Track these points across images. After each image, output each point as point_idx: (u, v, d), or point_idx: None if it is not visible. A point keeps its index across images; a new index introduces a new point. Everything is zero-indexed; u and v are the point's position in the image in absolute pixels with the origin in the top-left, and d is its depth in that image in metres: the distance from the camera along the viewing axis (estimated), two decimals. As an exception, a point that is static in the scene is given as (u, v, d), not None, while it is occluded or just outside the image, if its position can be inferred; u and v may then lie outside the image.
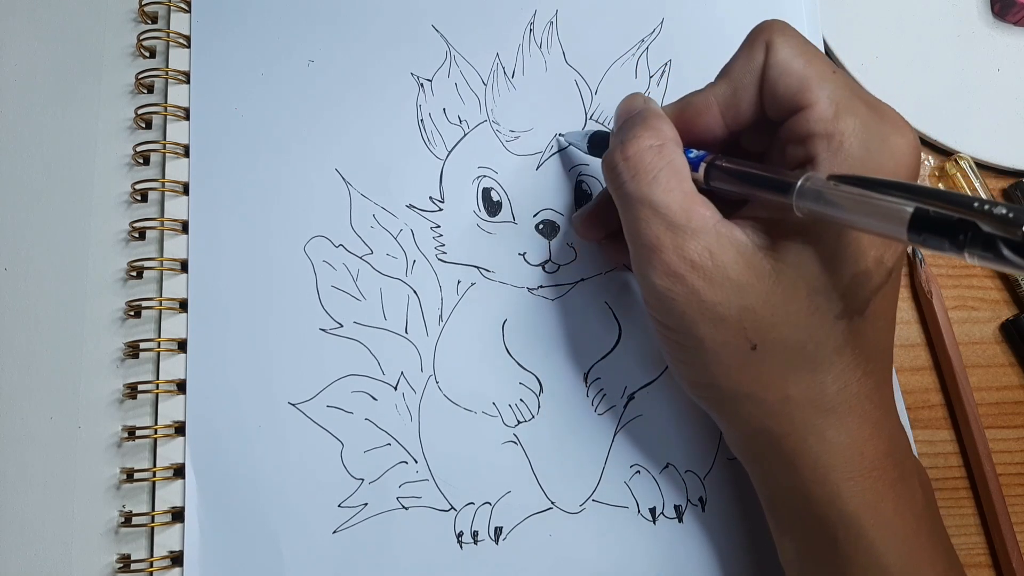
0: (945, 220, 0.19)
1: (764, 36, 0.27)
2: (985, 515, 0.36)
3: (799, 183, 0.23)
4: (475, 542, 0.32)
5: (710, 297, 0.25)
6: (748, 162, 0.26)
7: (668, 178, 0.26)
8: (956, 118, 0.41)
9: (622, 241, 0.28)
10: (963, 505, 0.36)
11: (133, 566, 0.30)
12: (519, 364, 0.34)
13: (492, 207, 0.36)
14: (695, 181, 0.27)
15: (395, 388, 0.33)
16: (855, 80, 0.26)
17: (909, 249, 0.39)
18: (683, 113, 0.28)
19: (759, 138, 0.29)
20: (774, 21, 0.27)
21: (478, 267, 0.35)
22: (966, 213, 0.19)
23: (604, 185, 0.30)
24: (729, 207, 0.27)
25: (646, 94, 0.38)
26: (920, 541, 0.26)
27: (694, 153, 0.27)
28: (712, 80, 0.29)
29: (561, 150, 0.36)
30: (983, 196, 0.39)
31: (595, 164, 0.36)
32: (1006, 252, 0.18)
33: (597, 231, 0.33)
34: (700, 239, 0.25)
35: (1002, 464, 0.37)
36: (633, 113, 0.29)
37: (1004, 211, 0.18)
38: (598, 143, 0.34)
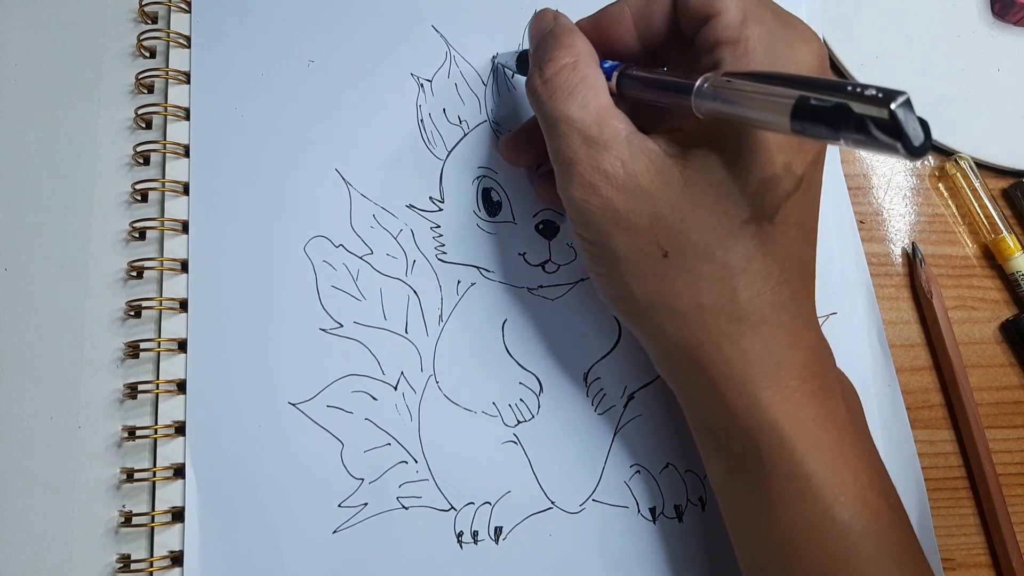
0: (824, 108, 0.20)
1: None
2: (985, 515, 0.36)
3: (697, 83, 0.24)
4: (475, 542, 0.32)
5: (622, 206, 0.26)
6: (657, 70, 0.27)
7: (584, 93, 0.27)
8: (956, 118, 0.41)
9: (552, 176, 0.29)
10: (963, 505, 0.36)
11: (133, 566, 0.30)
12: (519, 364, 0.34)
13: (492, 207, 0.36)
14: (611, 91, 0.28)
15: (395, 388, 0.33)
16: None
17: (909, 247, 0.39)
18: (597, 24, 0.30)
19: (683, 59, 0.30)
20: None
21: (478, 267, 0.35)
22: (841, 96, 0.19)
23: None
24: (648, 125, 0.28)
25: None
26: (843, 451, 0.26)
27: (608, 64, 0.28)
28: None
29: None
30: (983, 197, 0.39)
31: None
32: (875, 132, 0.18)
33: (522, 155, 0.34)
34: (612, 150, 0.26)
35: (1002, 464, 0.37)
36: (545, 32, 0.30)
37: (874, 92, 0.19)
38: (526, 62, 0.34)
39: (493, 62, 0.37)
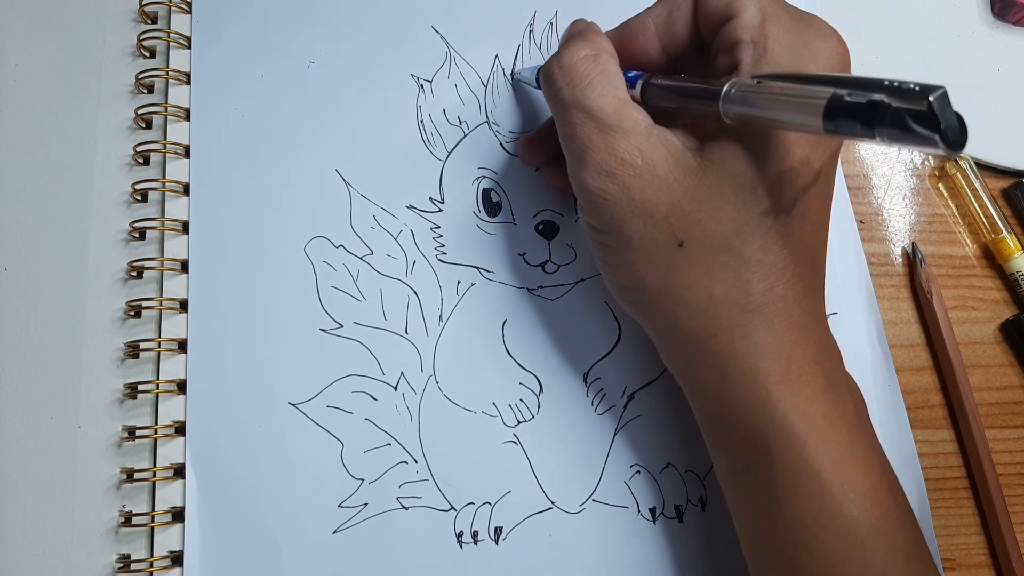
0: (857, 106, 0.20)
1: None
2: (985, 515, 0.36)
3: (725, 88, 0.24)
4: (475, 542, 0.32)
5: (639, 194, 0.26)
6: (681, 77, 0.27)
7: (602, 84, 0.27)
8: (956, 118, 0.41)
9: (563, 166, 0.29)
10: (963, 505, 0.36)
11: (133, 566, 0.30)
12: (519, 364, 0.34)
13: (492, 208, 0.36)
14: (633, 99, 0.28)
15: (395, 388, 0.33)
16: None
17: (909, 247, 0.39)
18: (622, 36, 0.30)
19: (700, 65, 0.30)
20: None
21: (478, 267, 0.35)
22: (878, 92, 0.20)
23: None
24: (664, 122, 0.28)
25: None
26: (851, 448, 0.26)
27: (632, 73, 0.29)
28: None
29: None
30: (983, 197, 0.39)
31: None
32: (913, 125, 0.19)
33: (539, 154, 0.34)
34: (631, 139, 0.26)
35: (1002, 464, 0.37)
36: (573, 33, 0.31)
37: (912, 86, 0.19)
38: None
39: (513, 77, 0.37)
